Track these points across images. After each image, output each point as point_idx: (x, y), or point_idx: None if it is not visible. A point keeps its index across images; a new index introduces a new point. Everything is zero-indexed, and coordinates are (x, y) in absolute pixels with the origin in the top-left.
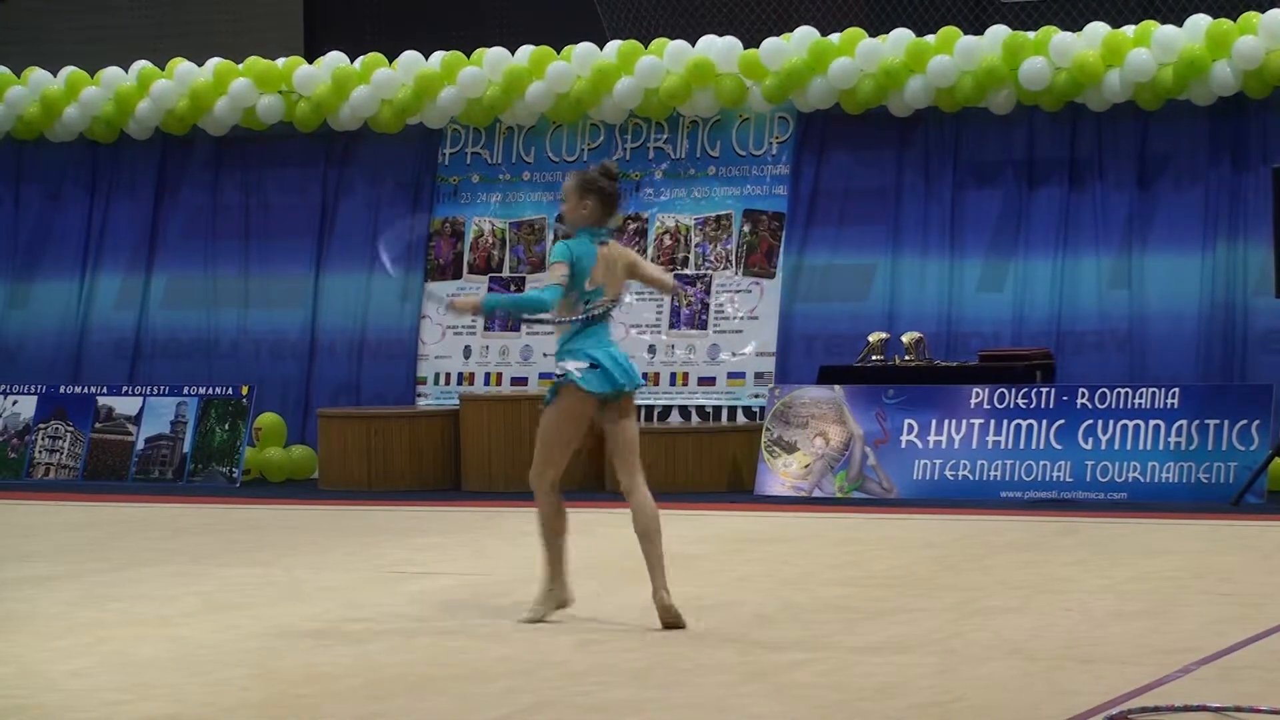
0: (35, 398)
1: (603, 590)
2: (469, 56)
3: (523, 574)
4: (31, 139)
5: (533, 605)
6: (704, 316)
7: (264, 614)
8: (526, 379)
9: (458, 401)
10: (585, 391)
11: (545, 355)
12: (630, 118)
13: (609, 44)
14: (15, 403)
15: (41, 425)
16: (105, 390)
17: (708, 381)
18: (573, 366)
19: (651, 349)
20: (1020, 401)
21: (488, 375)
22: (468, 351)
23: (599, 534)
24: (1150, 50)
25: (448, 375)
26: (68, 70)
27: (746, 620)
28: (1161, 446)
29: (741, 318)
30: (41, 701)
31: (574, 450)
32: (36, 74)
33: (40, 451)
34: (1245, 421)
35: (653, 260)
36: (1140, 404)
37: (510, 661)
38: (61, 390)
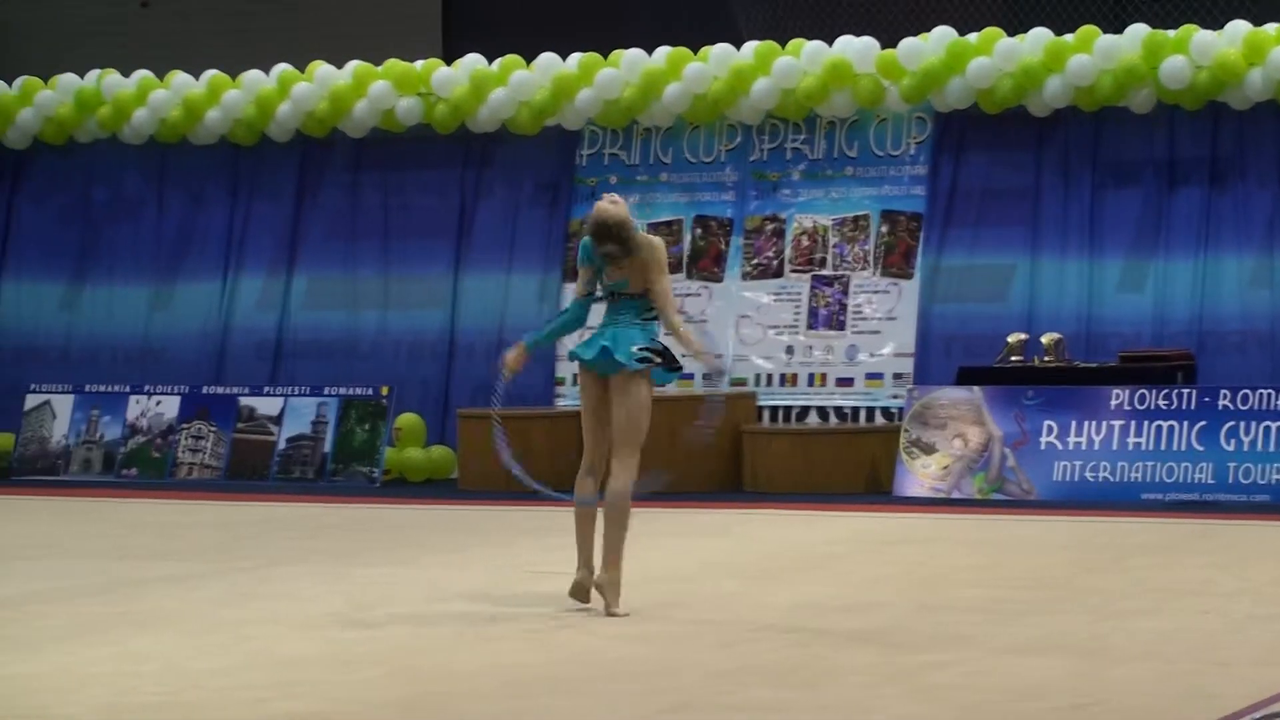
0: (179, 398)
1: (742, 590)
2: (606, 58)
3: (658, 573)
4: (174, 142)
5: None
6: (842, 317)
7: (403, 613)
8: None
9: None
10: (581, 362)
11: (683, 356)
12: (767, 118)
13: (746, 45)
14: (159, 403)
15: (185, 425)
16: (247, 391)
17: (846, 382)
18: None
19: (789, 349)
20: (1161, 403)
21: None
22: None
23: (736, 534)
24: None
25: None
26: (209, 74)
27: (885, 621)
28: None
29: (879, 318)
30: (185, 699)
31: (597, 431)
32: (179, 78)
33: (184, 451)
34: None
35: (790, 261)
36: None
37: (650, 661)
38: (204, 391)
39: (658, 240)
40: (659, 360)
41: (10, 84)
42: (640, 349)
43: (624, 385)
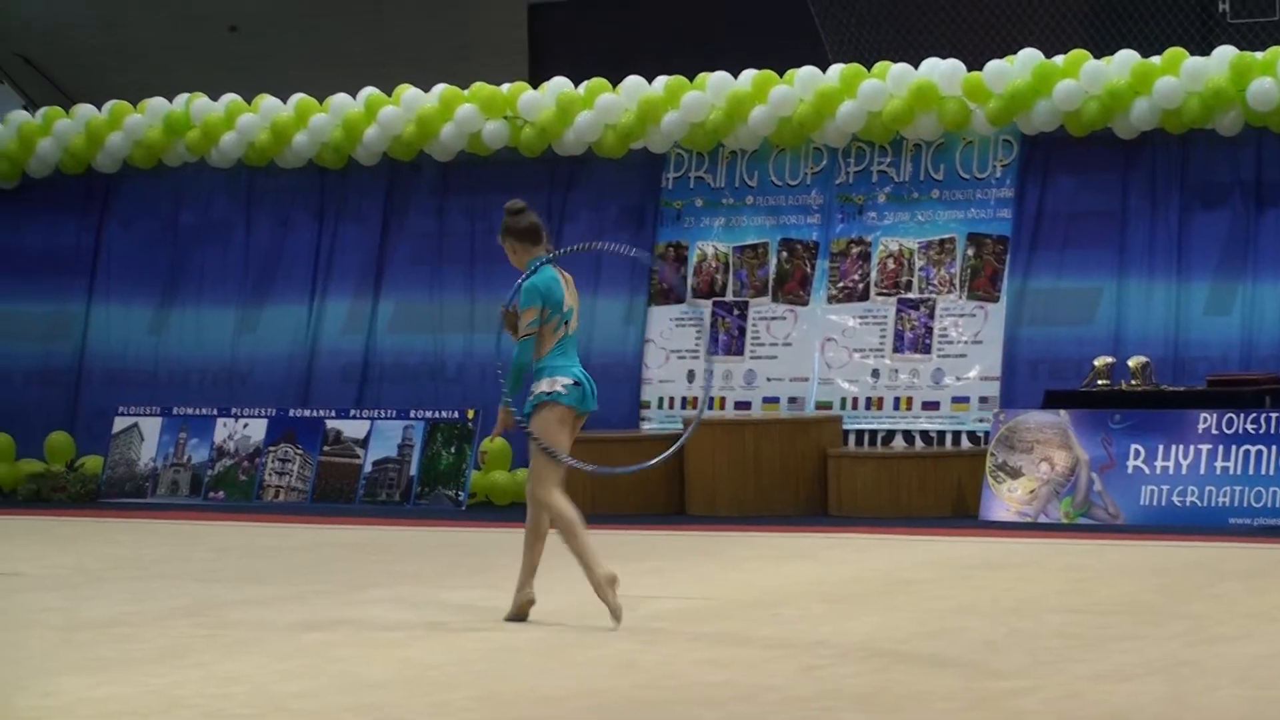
0: (265, 421)
1: (825, 614)
2: (692, 81)
3: (746, 598)
4: (262, 165)
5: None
6: (928, 340)
7: (489, 636)
8: (750, 403)
9: (681, 425)
10: (567, 406)
11: (770, 379)
12: (853, 141)
13: (831, 67)
14: (246, 425)
15: (271, 448)
16: (333, 414)
17: (931, 406)
18: (560, 385)
19: (875, 373)
20: (1249, 427)
21: (711, 400)
22: (691, 375)
23: (821, 558)
24: None
25: (671, 399)
26: (297, 97)
27: (971, 646)
28: None
29: (965, 342)
30: None
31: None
32: (266, 101)
33: (270, 474)
34: None
35: (876, 284)
36: None
37: (733, 686)
38: (291, 414)
39: None
40: None
41: (100, 108)
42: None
43: (579, 422)
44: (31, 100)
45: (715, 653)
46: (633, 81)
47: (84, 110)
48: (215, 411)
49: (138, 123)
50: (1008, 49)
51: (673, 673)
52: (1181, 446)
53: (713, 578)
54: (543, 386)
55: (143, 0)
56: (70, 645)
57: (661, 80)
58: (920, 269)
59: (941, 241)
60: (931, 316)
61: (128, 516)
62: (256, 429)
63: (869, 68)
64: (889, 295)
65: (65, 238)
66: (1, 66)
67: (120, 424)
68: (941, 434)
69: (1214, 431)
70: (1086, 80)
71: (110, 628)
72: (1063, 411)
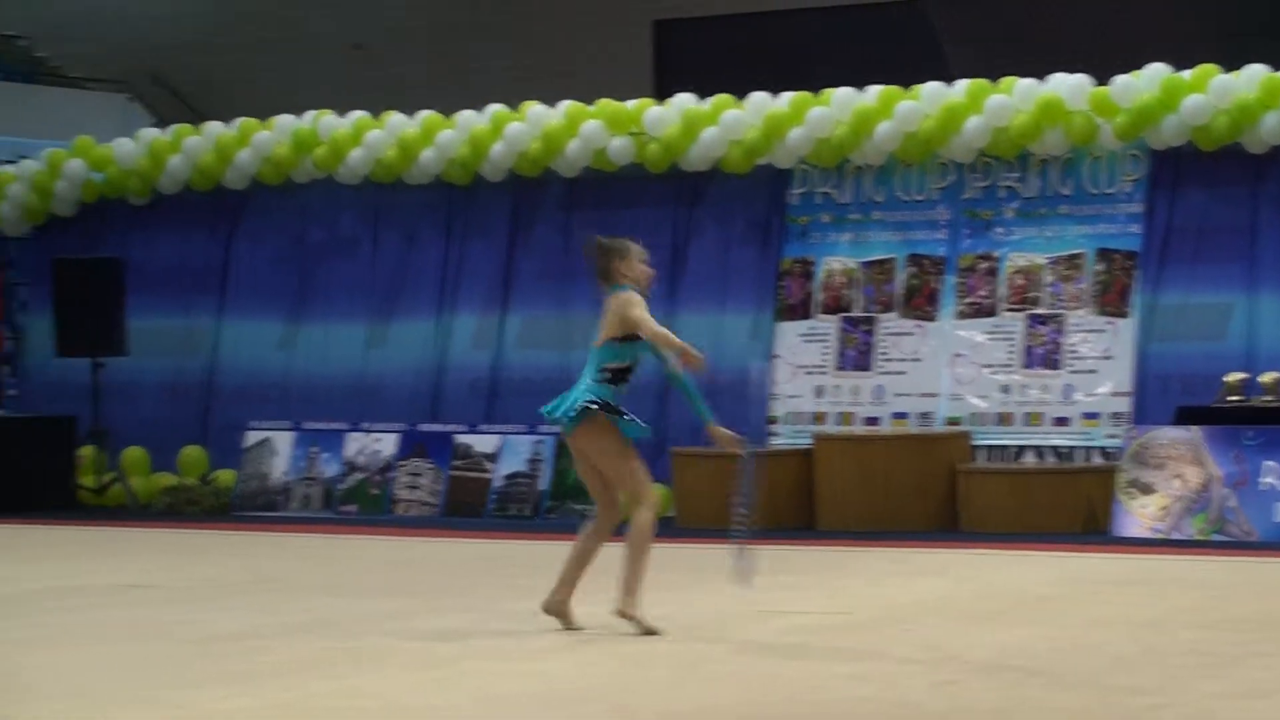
0: (396, 435)
1: (957, 630)
2: (817, 96)
3: (877, 613)
4: (389, 182)
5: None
6: (1057, 356)
7: (622, 651)
8: (879, 418)
9: (810, 441)
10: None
11: (898, 395)
12: (980, 156)
13: (958, 83)
14: (377, 440)
15: (402, 463)
16: (464, 428)
17: (1062, 422)
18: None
19: (1005, 389)
20: None
21: (839, 414)
22: (819, 391)
23: (952, 574)
24: None
25: (799, 414)
26: (424, 114)
27: (1104, 663)
28: None
29: (1095, 357)
30: None
31: (590, 480)
32: (394, 118)
33: (401, 488)
34: None
35: (1004, 299)
36: None
37: (869, 702)
38: (421, 428)
39: (626, 294)
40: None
41: (229, 125)
42: (580, 405)
43: (574, 442)
44: (162, 118)
45: (848, 668)
46: (758, 97)
47: (213, 127)
48: (346, 426)
49: (266, 140)
50: (1135, 64)
51: (806, 688)
52: None
53: (843, 593)
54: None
55: (272, 18)
56: (202, 658)
57: (787, 96)
58: (1049, 285)
59: (1070, 257)
60: (1061, 332)
61: (260, 530)
62: (387, 444)
63: (996, 83)
64: (1018, 311)
65: (195, 254)
66: (132, 85)
67: (252, 438)
68: (1072, 450)
69: None
70: (1215, 95)
71: (242, 640)
72: (1195, 428)
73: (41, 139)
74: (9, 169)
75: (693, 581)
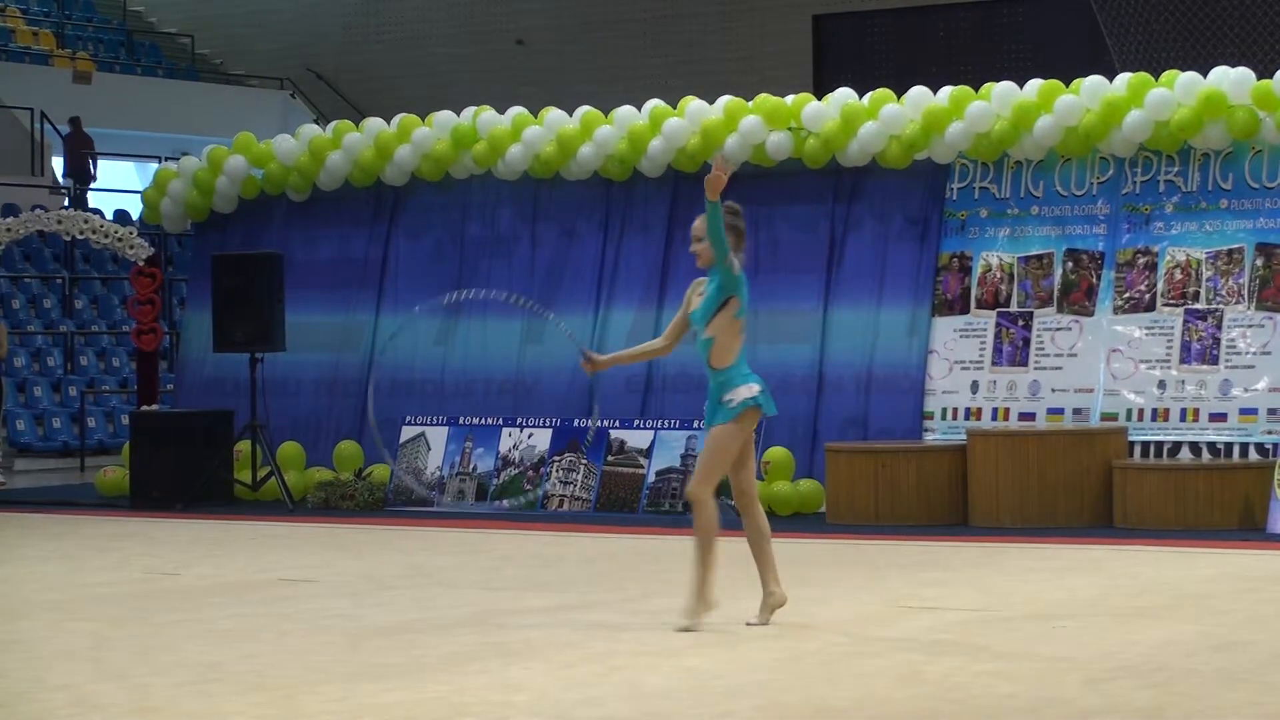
0: (550, 431)
1: (1112, 627)
2: (977, 91)
3: (1030, 610)
4: (548, 177)
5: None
6: (1215, 352)
7: (773, 646)
8: (1034, 414)
9: (965, 436)
10: (761, 412)
11: (1054, 390)
12: (1140, 150)
13: (1119, 77)
14: (531, 435)
15: (556, 458)
16: (618, 423)
17: (1219, 418)
18: (756, 390)
19: (1161, 384)
20: None
21: (995, 410)
22: (975, 386)
23: (1107, 570)
24: None
25: (955, 410)
26: (582, 109)
27: (1260, 661)
28: None
29: (1254, 353)
30: None
31: None
32: (552, 114)
33: (555, 483)
34: None
35: (1163, 294)
36: None
37: (1017, 699)
38: (575, 423)
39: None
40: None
41: (388, 122)
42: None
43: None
44: (322, 114)
45: (999, 665)
46: (917, 92)
47: (373, 124)
48: (501, 421)
49: (425, 136)
50: None
51: (956, 684)
52: None
53: (996, 589)
54: (744, 393)
55: (431, 16)
56: (358, 651)
57: (946, 90)
58: (1208, 279)
59: (1229, 251)
60: (1219, 327)
61: (414, 525)
62: (541, 439)
63: (1156, 77)
64: (1176, 306)
65: (354, 249)
66: (293, 81)
67: (408, 433)
68: (1229, 446)
69: None
70: None
71: (397, 634)
72: None
73: (203, 135)
74: (171, 166)
75: (842, 577)
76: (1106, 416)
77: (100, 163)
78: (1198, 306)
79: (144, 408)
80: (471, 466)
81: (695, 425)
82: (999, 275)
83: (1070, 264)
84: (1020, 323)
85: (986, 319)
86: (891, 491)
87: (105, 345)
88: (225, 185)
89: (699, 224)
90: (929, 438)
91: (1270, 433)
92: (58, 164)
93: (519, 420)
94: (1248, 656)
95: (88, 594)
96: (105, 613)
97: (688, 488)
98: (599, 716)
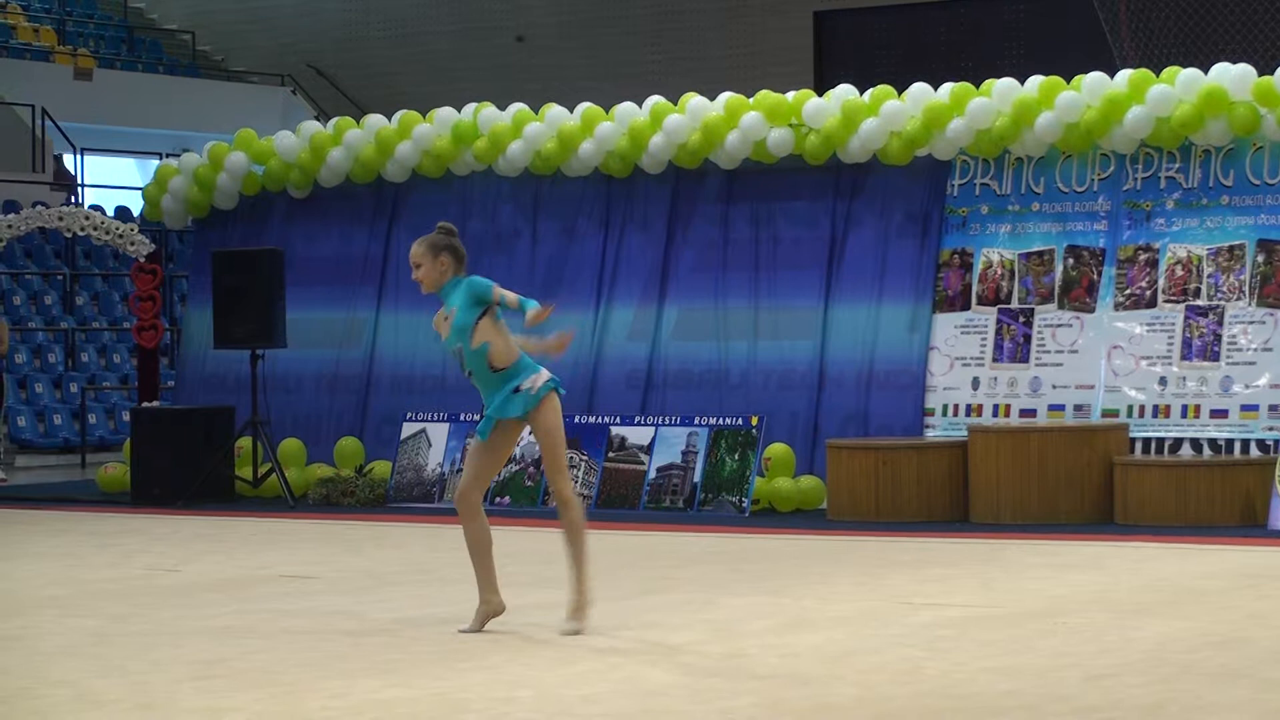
0: None
1: (1112, 623)
2: (978, 87)
3: (1031, 606)
4: (548, 174)
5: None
6: (1216, 348)
7: (772, 643)
8: (1036, 410)
9: (966, 433)
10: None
11: (1055, 387)
12: (1141, 147)
13: (1120, 73)
14: (530, 432)
15: None
16: (618, 420)
17: (1220, 414)
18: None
19: (1162, 380)
20: None
21: (996, 407)
22: (976, 383)
23: (1108, 566)
24: None
25: (956, 406)
26: (583, 106)
27: (1260, 657)
28: None
29: (1255, 349)
30: None
31: None
32: (553, 110)
33: None
34: None
35: (1164, 291)
36: None
37: (1017, 695)
38: (576, 420)
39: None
40: None
41: (389, 118)
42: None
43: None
44: (323, 110)
45: (1000, 661)
46: (918, 88)
47: (374, 120)
48: None
49: (426, 132)
50: None
51: (957, 681)
52: None
53: (997, 585)
54: (545, 381)
55: (432, 13)
56: (359, 648)
57: (947, 87)
58: (1209, 276)
59: (1231, 248)
60: (1220, 324)
61: (414, 521)
62: None
63: (1158, 73)
64: (1177, 302)
65: (355, 246)
66: (294, 77)
67: (408, 430)
68: (1230, 442)
69: None
70: None
71: (398, 631)
72: None
73: (203, 132)
74: (171, 162)
75: (843, 574)
76: (1107, 413)
77: (101, 159)
78: (1199, 303)
79: (145, 404)
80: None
81: (696, 421)
82: (1000, 272)
83: (1071, 260)
84: (1021, 319)
85: (987, 315)
86: (892, 488)
87: (106, 342)
88: (226, 182)
89: (414, 250)
90: (930, 434)
91: (1271, 429)
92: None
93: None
94: (1248, 653)
95: (88, 590)
96: (106, 609)
97: (562, 490)
98: (600, 713)
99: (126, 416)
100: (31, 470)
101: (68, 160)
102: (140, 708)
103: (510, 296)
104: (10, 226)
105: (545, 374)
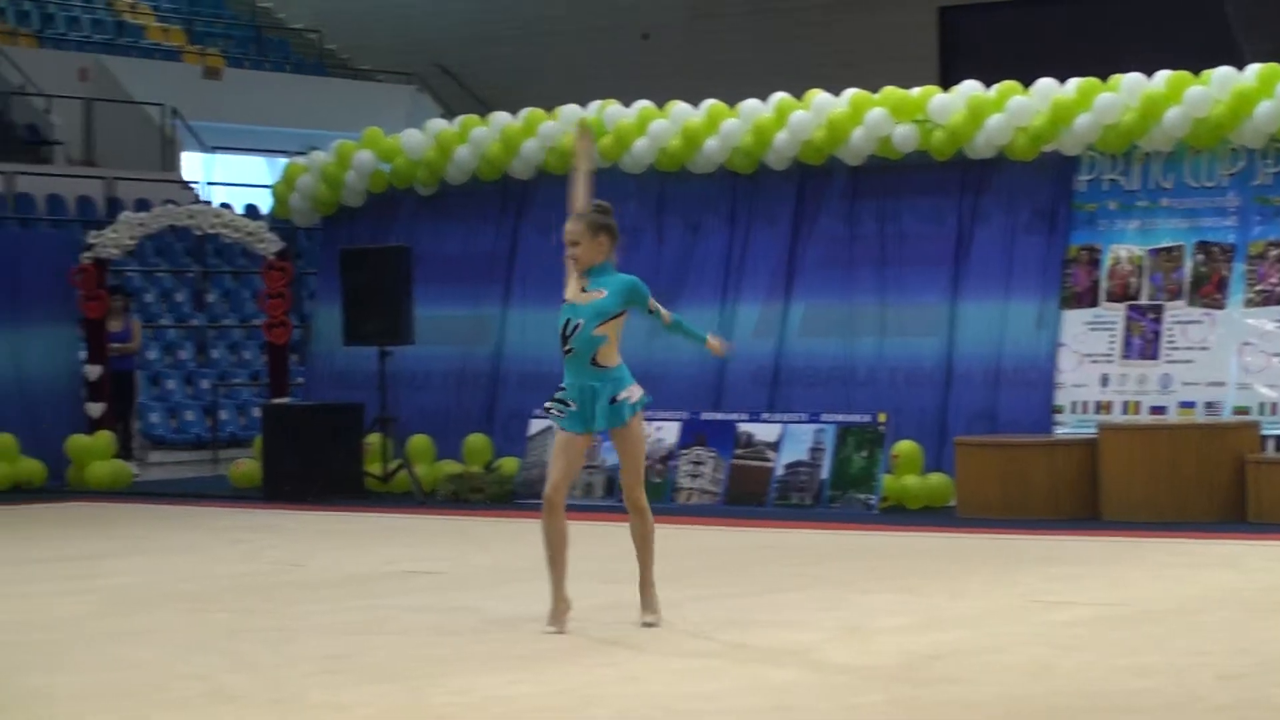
0: (678, 424)
1: (1245, 622)
2: (1105, 82)
3: (1163, 605)
4: (673, 171)
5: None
6: None
7: (902, 640)
8: (1165, 408)
9: (1095, 430)
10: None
11: (1185, 384)
12: (1270, 142)
13: (1249, 67)
14: (659, 428)
15: (684, 451)
16: (745, 417)
17: None
18: (641, 392)
19: None
20: None
21: (1125, 404)
22: (1105, 380)
23: (1240, 565)
24: None
25: (1084, 404)
26: (708, 103)
27: None
28: None
29: None
30: None
31: None
32: (678, 107)
33: (683, 476)
34: None
35: None
36: None
37: (1152, 694)
38: (703, 417)
39: None
40: None
41: (515, 115)
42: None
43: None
44: (449, 109)
45: (1133, 660)
46: (1044, 84)
47: (500, 118)
48: None
49: (552, 130)
50: None
51: (1090, 680)
52: None
53: (1129, 584)
54: (639, 393)
55: (558, 11)
56: (485, 643)
57: (1074, 82)
58: None
59: None
60: None
61: (541, 518)
62: (670, 432)
63: None
64: None
65: (482, 243)
66: (421, 76)
67: (536, 427)
68: None
69: None
70: None
71: (524, 626)
72: None
73: (331, 130)
74: (299, 160)
75: (972, 571)
76: (1238, 410)
77: (230, 158)
78: None
79: (275, 400)
80: (600, 460)
81: (823, 418)
82: (1128, 268)
83: (1201, 256)
84: (1150, 316)
85: (1116, 312)
86: (1021, 485)
87: (236, 338)
88: (353, 179)
89: (572, 227)
90: (1059, 431)
91: None
92: (187, 159)
93: (646, 414)
94: None
95: (220, 585)
96: (237, 604)
97: (639, 499)
98: (725, 709)
99: (257, 413)
100: (164, 466)
101: (197, 159)
102: (271, 702)
103: (665, 312)
104: (142, 225)
105: (639, 388)
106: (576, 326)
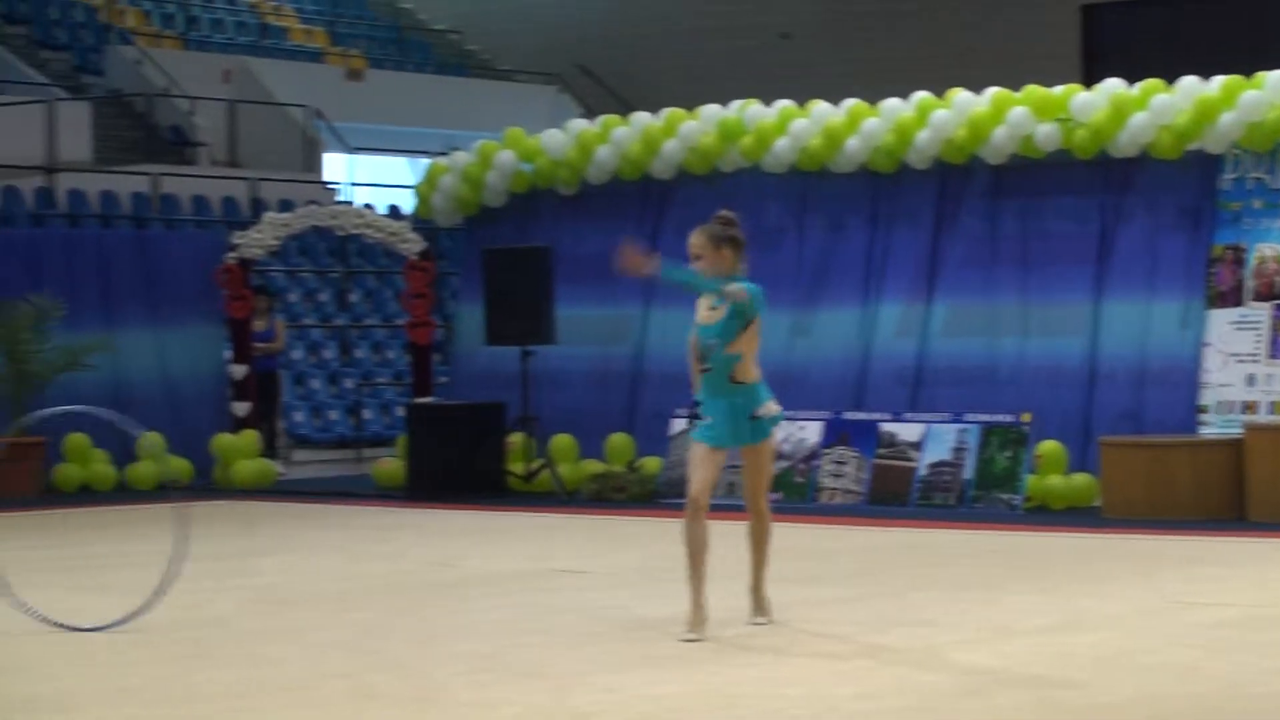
0: (821, 423)
1: None
2: (1250, 79)
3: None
4: (814, 170)
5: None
6: None
7: (1046, 641)
8: None
9: (1241, 430)
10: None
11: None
12: None
13: None
14: (802, 428)
15: (826, 450)
16: (888, 416)
17: None
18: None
19: None
20: None
21: (1271, 404)
22: (1251, 379)
23: None
24: None
25: (1230, 403)
26: (849, 102)
27: None
28: None
29: None
30: None
31: None
32: (819, 106)
33: (825, 476)
34: None
35: None
36: None
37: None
38: (846, 416)
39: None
40: None
41: (656, 115)
42: None
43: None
44: (590, 109)
45: (1277, 662)
46: (1188, 81)
47: (641, 118)
48: None
49: (693, 129)
50: None
51: (1236, 682)
52: None
53: (1275, 585)
54: (774, 408)
55: (698, 11)
56: (630, 642)
57: (1218, 80)
58: None
59: None
60: None
61: (682, 517)
62: (812, 431)
63: None
64: None
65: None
66: (562, 76)
67: (678, 426)
68: None
69: None
70: None
71: (667, 627)
72: None
73: (473, 131)
74: (441, 160)
75: (1117, 572)
76: None
77: (372, 158)
78: None
79: (419, 400)
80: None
81: (966, 418)
82: (1274, 267)
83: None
84: None
85: (1262, 311)
86: (1167, 486)
87: (380, 338)
88: (495, 179)
89: (696, 240)
90: (1204, 431)
91: None
92: (330, 160)
93: (789, 413)
94: None
95: (364, 584)
96: (382, 603)
97: (762, 505)
98: (872, 710)
99: (400, 412)
100: (308, 465)
101: (339, 160)
102: (415, 701)
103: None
104: (285, 225)
105: (775, 403)
106: (711, 346)
